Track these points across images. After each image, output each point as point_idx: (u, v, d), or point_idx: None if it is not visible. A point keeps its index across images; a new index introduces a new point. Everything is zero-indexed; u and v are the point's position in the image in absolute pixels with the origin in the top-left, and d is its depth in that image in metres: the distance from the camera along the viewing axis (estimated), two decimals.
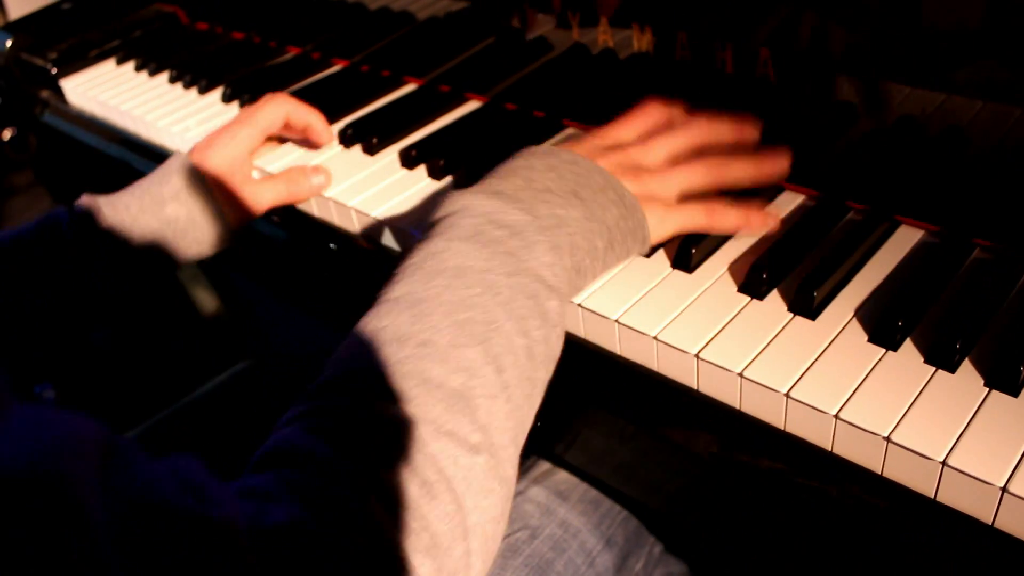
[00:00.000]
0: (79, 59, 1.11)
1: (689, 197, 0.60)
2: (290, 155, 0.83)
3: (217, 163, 0.72)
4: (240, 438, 0.82)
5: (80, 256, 0.68)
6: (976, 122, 0.62)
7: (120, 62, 1.11)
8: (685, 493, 0.70)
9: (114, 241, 0.69)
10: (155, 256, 0.71)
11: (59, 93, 1.10)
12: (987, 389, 0.48)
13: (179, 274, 1.26)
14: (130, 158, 0.97)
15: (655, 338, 0.55)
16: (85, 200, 0.70)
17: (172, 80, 1.03)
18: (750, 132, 0.64)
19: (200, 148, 0.74)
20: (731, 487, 0.61)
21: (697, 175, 0.59)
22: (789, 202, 0.67)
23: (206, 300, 1.30)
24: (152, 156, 0.97)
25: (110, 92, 1.04)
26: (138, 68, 1.09)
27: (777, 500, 0.57)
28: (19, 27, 1.12)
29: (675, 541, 0.77)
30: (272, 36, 1.09)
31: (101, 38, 1.14)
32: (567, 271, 0.51)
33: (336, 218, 0.78)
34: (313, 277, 0.92)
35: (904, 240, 0.61)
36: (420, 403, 0.42)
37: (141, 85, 1.05)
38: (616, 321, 0.57)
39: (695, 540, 0.77)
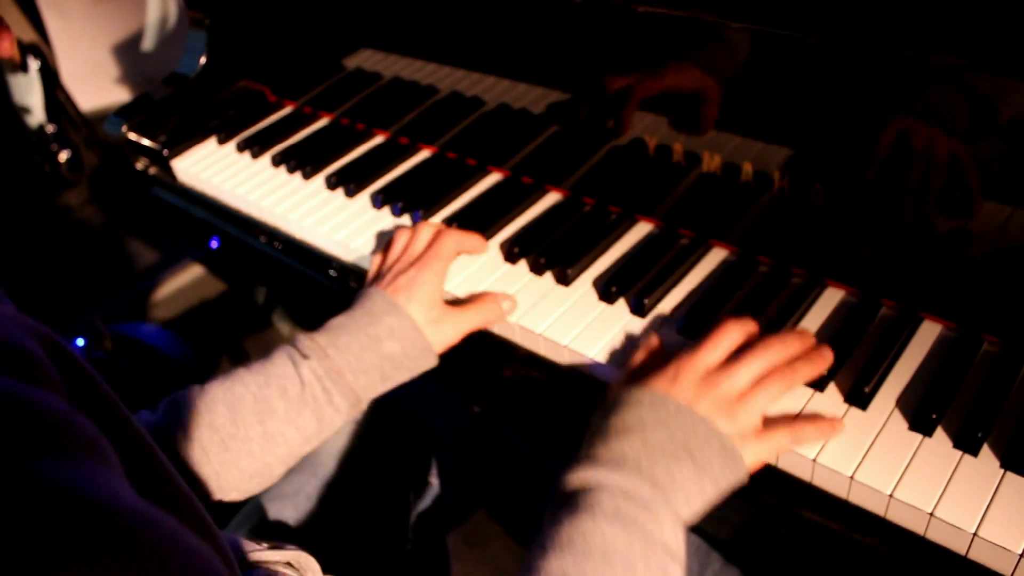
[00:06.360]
0: (185, 140, 1.24)
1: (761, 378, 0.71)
2: None
3: (420, 301, 0.82)
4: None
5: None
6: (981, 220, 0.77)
7: (221, 142, 1.25)
8: (747, 527, 0.87)
9: (342, 380, 0.77)
10: (375, 387, 0.80)
11: (168, 171, 1.24)
12: (1002, 471, 0.65)
13: None
14: (252, 242, 1.11)
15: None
16: (308, 343, 0.78)
17: (275, 163, 1.18)
18: (811, 342, 0.74)
19: (402, 288, 0.83)
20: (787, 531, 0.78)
21: (776, 392, 0.70)
22: (831, 298, 0.83)
23: None
24: (264, 233, 1.11)
25: (221, 175, 1.18)
26: (240, 149, 1.22)
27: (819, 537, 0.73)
28: (128, 112, 1.25)
29: (733, 554, 0.94)
30: (358, 119, 1.23)
31: (198, 117, 1.27)
32: (686, 528, 0.63)
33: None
34: None
35: (927, 335, 0.77)
36: None
37: (247, 168, 1.19)
38: None
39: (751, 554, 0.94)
